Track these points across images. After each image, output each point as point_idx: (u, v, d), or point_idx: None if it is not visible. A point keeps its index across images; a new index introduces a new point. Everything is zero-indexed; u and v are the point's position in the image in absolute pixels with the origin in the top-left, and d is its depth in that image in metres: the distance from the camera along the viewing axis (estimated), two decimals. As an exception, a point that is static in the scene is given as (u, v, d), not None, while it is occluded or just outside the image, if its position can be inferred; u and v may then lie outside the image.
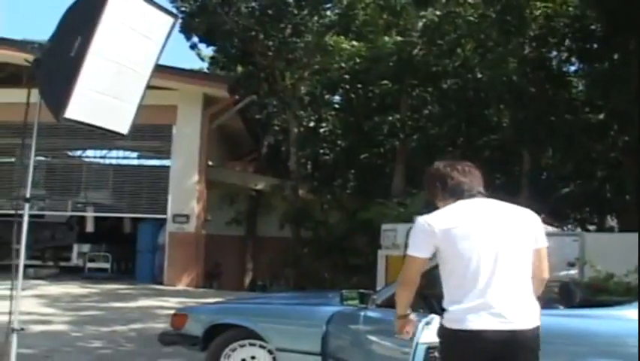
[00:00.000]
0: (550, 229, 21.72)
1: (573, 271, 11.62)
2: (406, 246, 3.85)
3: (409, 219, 15.70)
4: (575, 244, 11.99)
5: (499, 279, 3.34)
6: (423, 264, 3.47)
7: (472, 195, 3.52)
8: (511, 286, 3.37)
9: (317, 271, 18.93)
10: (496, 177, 18.99)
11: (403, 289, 3.60)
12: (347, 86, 20.23)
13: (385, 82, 18.62)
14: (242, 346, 6.27)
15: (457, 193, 3.52)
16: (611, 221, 19.79)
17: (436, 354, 3.96)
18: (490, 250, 3.35)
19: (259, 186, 21.12)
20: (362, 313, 5.43)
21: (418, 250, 3.42)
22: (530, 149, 16.70)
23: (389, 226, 14.86)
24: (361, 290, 5.55)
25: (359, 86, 19.85)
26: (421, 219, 3.43)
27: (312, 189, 20.80)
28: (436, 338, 3.81)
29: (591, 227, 20.36)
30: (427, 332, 4.04)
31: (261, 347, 6.23)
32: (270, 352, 6.19)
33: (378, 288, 13.95)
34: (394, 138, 19.79)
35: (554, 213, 20.54)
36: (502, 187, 19.49)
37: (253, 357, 6.25)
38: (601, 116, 16.43)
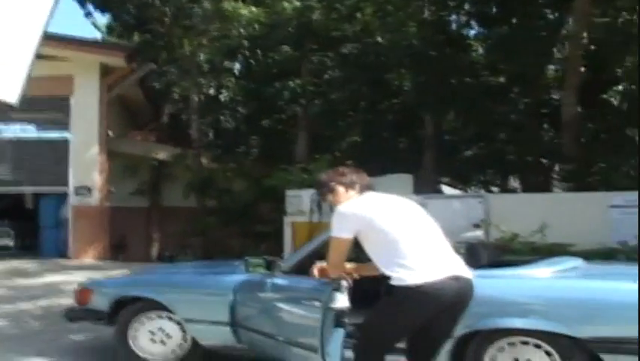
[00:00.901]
0: (455, 191, 22.48)
1: (479, 233, 11.93)
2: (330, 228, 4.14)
3: (314, 185, 15.66)
4: (480, 205, 12.25)
5: (431, 243, 3.96)
6: (349, 244, 3.97)
7: (370, 189, 4.19)
8: (442, 248, 4.00)
9: (224, 240, 18.72)
10: (399, 141, 19.20)
11: (332, 267, 4.13)
12: (247, 53, 19.92)
13: (285, 48, 18.43)
14: (149, 318, 6.14)
15: (362, 188, 4.16)
16: (514, 182, 20.30)
17: (346, 320, 4.29)
18: (414, 221, 3.98)
19: (161, 156, 20.63)
20: (269, 281, 5.40)
21: (343, 232, 3.93)
22: (432, 112, 16.89)
23: (293, 192, 14.82)
24: (266, 257, 5.53)
25: (259, 52, 19.60)
26: (343, 207, 3.99)
27: (215, 158, 20.50)
28: (346, 304, 4.22)
29: (495, 189, 20.99)
30: (337, 298, 4.23)
31: (169, 318, 6.10)
32: (179, 323, 6.07)
33: (285, 255, 14.07)
34: (296, 103, 19.66)
35: (458, 175, 21.00)
36: (406, 151, 19.83)
37: (161, 329, 6.12)
38: (502, 80, 16.73)
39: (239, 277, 5.75)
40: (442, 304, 3.85)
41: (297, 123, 19.98)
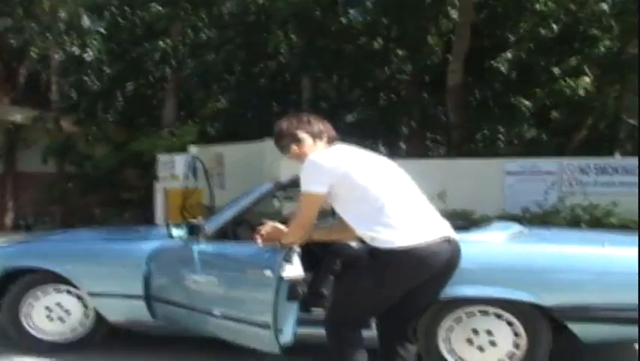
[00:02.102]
0: None
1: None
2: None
3: (183, 149, 15.21)
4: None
5: (417, 202, 3.60)
6: (322, 200, 3.53)
7: (338, 141, 3.77)
8: (427, 207, 3.63)
9: (85, 208, 17.65)
10: (274, 107, 18.84)
11: (300, 229, 3.68)
12: (113, 10, 18.66)
13: (155, 6, 17.39)
14: (45, 293, 5.40)
15: (330, 140, 3.76)
16: (400, 148, 20.51)
17: (300, 290, 4.12)
18: (395, 178, 3.63)
19: (18, 119, 19.04)
20: (191, 247, 4.86)
21: (317, 185, 3.49)
22: (314, 76, 16.53)
23: (167, 157, 14.26)
24: (190, 220, 5.07)
25: (126, 9, 18.41)
26: (315, 157, 3.53)
27: (77, 121, 19.16)
28: (300, 272, 4.01)
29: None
30: (290, 267, 3.98)
31: (68, 292, 5.39)
32: (79, 297, 5.34)
33: (157, 222, 13.46)
34: (166, 64, 18.70)
35: (342, 141, 20.94)
36: (281, 117, 19.49)
37: (59, 305, 5.41)
38: (384, 43, 16.60)
39: (153, 244, 5.26)
40: (435, 268, 3.45)
41: (166, 86, 19.04)
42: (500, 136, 14.96)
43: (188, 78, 19.26)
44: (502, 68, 14.21)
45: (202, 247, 4.81)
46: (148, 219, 15.23)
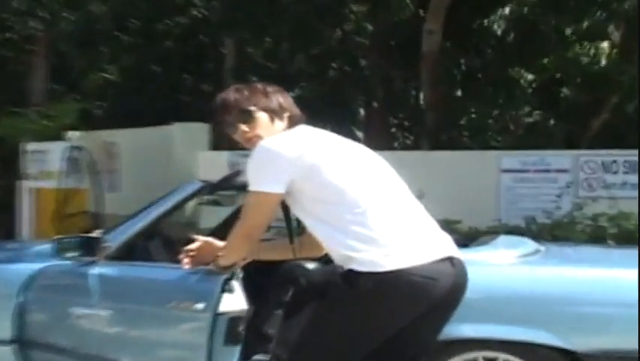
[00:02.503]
0: None
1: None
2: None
3: (59, 136, 15.05)
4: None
5: (407, 208, 3.58)
6: (277, 202, 3.57)
7: (303, 122, 3.81)
8: (421, 215, 3.61)
9: None
10: (184, 78, 18.87)
11: (245, 243, 3.72)
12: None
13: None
14: None
15: (292, 119, 3.80)
16: (355, 135, 20.67)
17: (241, 328, 4.20)
18: (378, 174, 3.63)
19: None
20: (86, 271, 4.82)
21: (272, 182, 3.46)
22: (241, 37, 16.47)
23: (36, 145, 14.16)
24: (85, 235, 4.99)
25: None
26: (268, 144, 3.50)
27: None
28: (240, 306, 4.14)
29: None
30: (230, 298, 4.10)
31: None
32: None
33: (23, 231, 13.28)
34: (35, 17, 18.47)
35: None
36: (195, 92, 19.52)
37: None
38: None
39: (29, 267, 5.18)
40: (434, 299, 3.40)
41: (34, 49, 18.85)
42: (492, 121, 15.15)
43: (64, 37, 19.08)
44: (497, 29, 14.25)
45: (102, 270, 4.75)
46: (8, 231, 15.06)
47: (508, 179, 11.58)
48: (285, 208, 3.87)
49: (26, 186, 13.99)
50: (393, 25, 16.24)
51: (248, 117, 3.70)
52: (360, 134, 18.31)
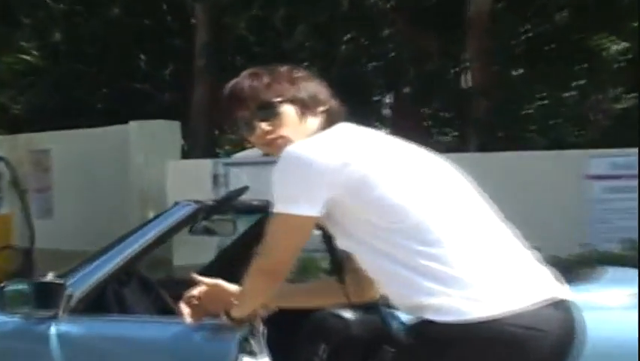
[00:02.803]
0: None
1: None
2: None
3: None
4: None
5: (493, 233, 3.49)
6: (311, 229, 3.53)
7: (342, 118, 3.74)
8: (510, 242, 3.51)
9: None
10: (139, 60, 18.94)
11: (268, 282, 3.69)
12: None
13: None
14: None
15: (331, 115, 3.71)
16: (378, 128, 20.85)
17: None
18: (450, 188, 3.57)
19: None
20: (46, 332, 4.75)
21: (304, 203, 3.43)
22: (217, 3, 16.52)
23: None
24: (42, 279, 4.88)
25: None
26: (299, 149, 3.44)
27: None
28: None
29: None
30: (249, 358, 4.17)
31: None
32: None
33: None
34: None
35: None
36: (156, 79, 19.61)
37: None
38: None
39: None
40: (542, 356, 3.33)
41: None
42: (567, 109, 15.18)
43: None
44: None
45: (66, 328, 4.72)
46: None
47: (596, 188, 11.67)
48: (328, 235, 3.85)
49: None
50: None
51: (270, 112, 3.63)
52: (383, 128, 18.44)
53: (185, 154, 15.00)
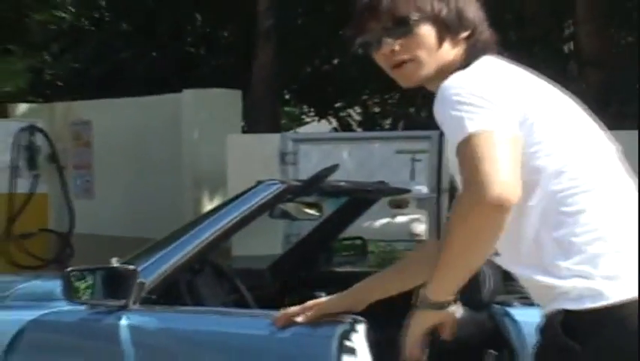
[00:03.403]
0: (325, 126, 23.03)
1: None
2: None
3: (2, 110, 15.22)
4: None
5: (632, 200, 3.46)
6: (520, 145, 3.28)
7: (490, 50, 3.61)
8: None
9: None
10: (194, 20, 18.96)
11: (497, 213, 3.16)
12: None
13: None
14: None
15: (476, 44, 3.58)
16: None
17: None
18: (602, 146, 3.50)
19: None
20: (112, 322, 4.94)
21: (498, 118, 3.23)
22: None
23: None
24: (111, 265, 5.04)
25: None
26: (459, 81, 3.33)
27: None
28: None
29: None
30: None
31: None
32: None
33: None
34: None
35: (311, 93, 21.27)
36: (214, 42, 19.67)
37: None
38: None
39: (20, 316, 5.35)
40: None
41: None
42: None
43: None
44: None
45: (138, 319, 4.88)
46: None
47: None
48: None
49: None
50: None
51: (403, 30, 3.51)
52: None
53: (246, 129, 14.96)
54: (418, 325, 3.36)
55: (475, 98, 3.22)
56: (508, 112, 3.22)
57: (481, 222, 3.13)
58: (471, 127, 3.16)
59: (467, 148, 3.15)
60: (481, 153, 3.14)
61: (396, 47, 3.47)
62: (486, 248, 3.21)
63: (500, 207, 3.10)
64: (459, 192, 3.23)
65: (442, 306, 3.32)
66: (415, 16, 3.45)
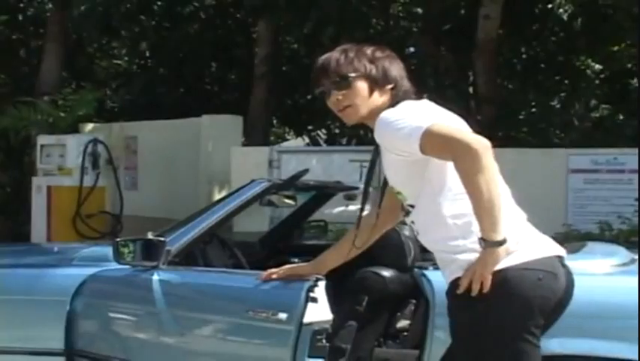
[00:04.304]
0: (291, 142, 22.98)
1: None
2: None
3: (75, 128, 15.03)
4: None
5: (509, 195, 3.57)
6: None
7: (409, 98, 3.61)
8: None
9: None
10: (210, 66, 18.83)
11: (489, 152, 3.22)
12: None
13: None
14: None
15: (397, 93, 3.60)
16: None
17: (325, 341, 4.24)
18: None
19: None
20: (149, 277, 4.90)
21: (431, 117, 3.35)
22: (277, 21, 16.30)
23: (52, 138, 14.10)
24: (147, 237, 5.01)
25: None
26: (391, 113, 3.44)
27: None
28: (325, 316, 4.19)
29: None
30: (314, 307, 4.16)
31: None
32: None
33: (33, 233, 13.30)
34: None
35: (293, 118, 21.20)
36: (224, 81, 19.50)
37: None
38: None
39: (81, 272, 5.27)
40: (553, 303, 3.40)
41: (47, 31, 18.75)
42: (555, 116, 15.02)
43: (79, 19, 18.68)
44: (562, 14, 14.04)
45: (166, 276, 4.83)
46: (18, 234, 15.08)
47: (578, 180, 11.55)
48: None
49: (39, 183, 13.74)
50: (445, 9, 16.19)
51: (344, 84, 3.60)
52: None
53: (245, 143, 14.87)
54: (494, 260, 3.20)
55: (410, 112, 3.36)
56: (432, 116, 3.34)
57: (487, 162, 3.14)
58: (423, 124, 3.23)
59: (432, 136, 3.21)
60: (445, 132, 3.22)
61: (340, 97, 3.58)
62: (497, 181, 3.21)
63: (489, 148, 3.17)
64: (455, 165, 3.21)
65: (504, 241, 3.20)
66: (352, 74, 3.56)
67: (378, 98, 3.59)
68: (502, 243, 3.19)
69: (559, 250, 3.51)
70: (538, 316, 3.31)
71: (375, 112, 3.50)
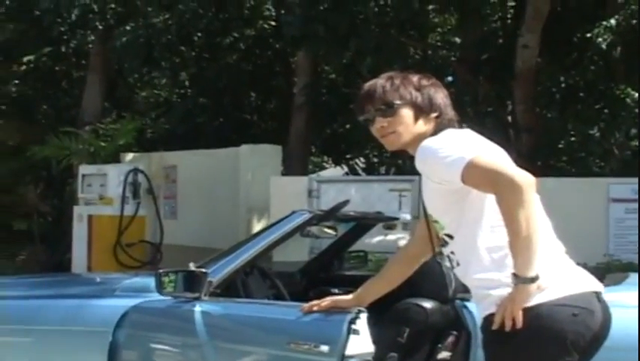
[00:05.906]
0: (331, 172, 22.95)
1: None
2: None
3: (116, 157, 15.12)
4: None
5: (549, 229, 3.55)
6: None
7: (452, 126, 3.63)
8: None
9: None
10: (250, 96, 18.88)
11: (531, 190, 3.22)
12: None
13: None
14: None
15: (442, 122, 3.62)
16: None
17: None
18: None
19: None
20: (191, 308, 4.89)
21: (474, 148, 3.34)
22: (317, 52, 16.27)
23: (93, 168, 14.18)
24: (189, 268, 4.96)
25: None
26: (432, 142, 3.44)
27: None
28: (366, 348, 4.13)
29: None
30: (356, 340, 4.11)
31: None
32: None
33: (74, 262, 13.37)
34: (88, 30, 18.60)
35: (334, 148, 21.09)
36: (263, 111, 19.54)
37: None
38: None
39: (123, 303, 5.26)
40: (584, 341, 3.33)
41: (88, 63, 18.91)
42: (594, 145, 14.96)
43: (120, 51, 18.81)
44: (601, 43, 13.98)
45: (207, 307, 4.83)
46: (59, 263, 15.15)
47: (618, 209, 11.48)
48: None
49: (80, 212, 13.87)
50: (483, 39, 16.19)
51: (389, 111, 3.61)
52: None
53: (284, 172, 14.85)
54: (525, 297, 3.18)
55: (453, 142, 3.36)
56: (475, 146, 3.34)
57: (529, 198, 3.13)
58: (467, 155, 3.24)
59: (476, 168, 3.22)
60: (489, 164, 3.23)
61: (385, 124, 3.59)
62: (536, 217, 3.21)
63: (533, 183, 3.18)
64: (496, 198, 3.21)
65: (536, 278, 3.18)
66: (398, 102, 3.56)
67: (423, 126, 3.60)
68: (534, 280, 3.18)
69: (595, 285, 3.46)
70: (572, 351, 3.27)
71: (419, 139, 3.50)
